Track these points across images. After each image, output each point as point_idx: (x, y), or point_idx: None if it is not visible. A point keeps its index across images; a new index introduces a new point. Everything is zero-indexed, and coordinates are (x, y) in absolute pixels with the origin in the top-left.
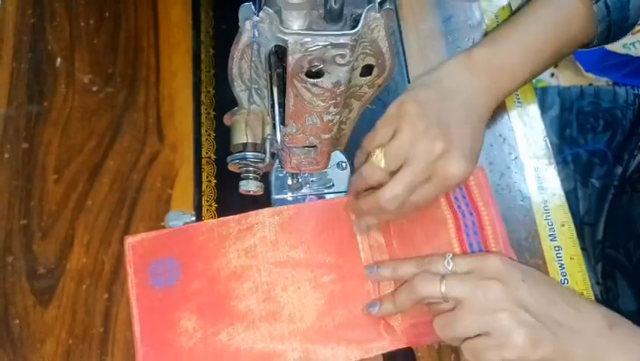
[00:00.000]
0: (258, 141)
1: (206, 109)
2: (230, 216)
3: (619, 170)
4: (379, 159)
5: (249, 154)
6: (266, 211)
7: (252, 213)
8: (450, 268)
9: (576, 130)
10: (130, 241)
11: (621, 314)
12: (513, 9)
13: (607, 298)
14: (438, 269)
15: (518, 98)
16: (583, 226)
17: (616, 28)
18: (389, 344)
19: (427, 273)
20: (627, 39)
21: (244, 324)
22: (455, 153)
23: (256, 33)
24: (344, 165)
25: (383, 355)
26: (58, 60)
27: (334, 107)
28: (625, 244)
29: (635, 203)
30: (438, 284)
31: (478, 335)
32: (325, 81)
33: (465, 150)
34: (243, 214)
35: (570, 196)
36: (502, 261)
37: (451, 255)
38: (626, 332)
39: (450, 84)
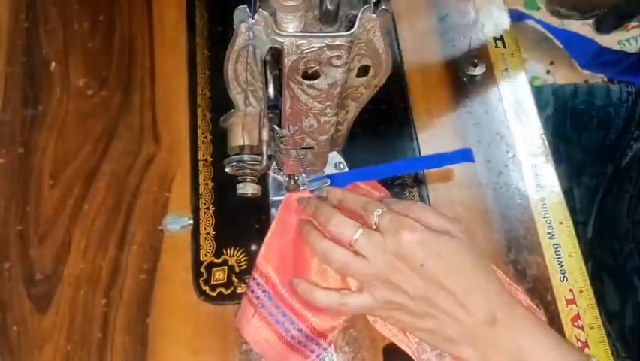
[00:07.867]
0: (255, 144)
1: (202, 111)
2: None
3: (610, 169)
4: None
5: (246, 157)
6: None
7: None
8: (374, 222)
9: (570, 128)
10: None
11: (607, 315)
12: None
13: (595, 297)
14: (367, 216)
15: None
16: (576, 225)
17: None
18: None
19: (347, 220)
20: (622, 35)
21: None
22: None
23: (251, 35)
24: (341, 165)
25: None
26: (53, 64)
27: (331, 109)
28: (611, 244)
29: (622, 203)
30: (353, 232)
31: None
32: (321, 83)
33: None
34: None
35: (564, 195)
36: (418, 240)
37: (380, 211)
38: (507, 328)
39: None
